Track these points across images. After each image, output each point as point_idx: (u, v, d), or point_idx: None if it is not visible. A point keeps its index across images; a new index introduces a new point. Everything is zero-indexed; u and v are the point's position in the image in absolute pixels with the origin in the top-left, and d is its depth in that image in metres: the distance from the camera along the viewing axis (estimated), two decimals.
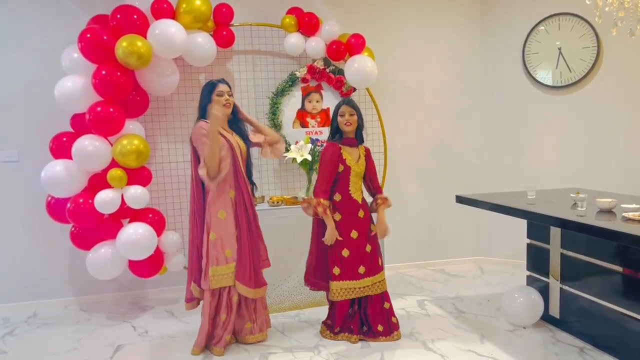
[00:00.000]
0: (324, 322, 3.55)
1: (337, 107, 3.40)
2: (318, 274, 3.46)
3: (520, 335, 3.43)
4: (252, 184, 3.44)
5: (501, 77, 5.00)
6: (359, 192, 3.42)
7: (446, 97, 5.05)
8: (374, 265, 3.40)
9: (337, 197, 3.37)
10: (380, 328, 3.39)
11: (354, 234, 3.35)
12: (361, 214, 3.39)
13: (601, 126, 4.57)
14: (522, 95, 4.90)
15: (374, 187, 3.52)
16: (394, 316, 3.47)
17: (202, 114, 3.26)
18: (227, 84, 3.29)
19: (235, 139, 3.29)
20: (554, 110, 4.77)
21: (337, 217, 3.36)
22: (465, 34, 5.05)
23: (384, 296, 3.44)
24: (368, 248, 3.38)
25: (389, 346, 3.32)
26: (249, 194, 3.31)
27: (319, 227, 3.42)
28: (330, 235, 3.30)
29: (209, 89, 3.22)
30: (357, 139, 3.45)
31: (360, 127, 3.43)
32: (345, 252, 3.34)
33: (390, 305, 3.46)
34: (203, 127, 3.14)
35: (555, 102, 4.77)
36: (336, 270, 3.34)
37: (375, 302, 3.41)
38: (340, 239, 3.32)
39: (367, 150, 3.51)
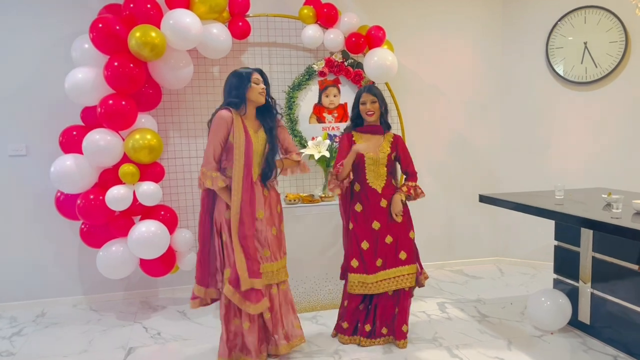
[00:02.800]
0: (335, 327, 3.44)
1: (358, 95, 3.27)
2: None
3: (549, 342, 3.30)
4: (265, 184, 3.06)
5: (523, 72, 4.84)
6: (379, 180, 3.24)
7: (466, 92, 4.90)
8: (392, 258, 3.24)
9: (357, 187, 3.26)
10: (384, 331, 3.27)
11: (375, 225, 3.23)
12: (383, 203, 3.23)
13: (629, 124, 4.42)
14: (545, 91, 4.74)
15: (410, 174, 3.36)
16: (406, 324, 3.27)
17: (236, 98, 2.95)
18: (260, 71, 3.04)
19: (258, 136, 3.02)
20: (579, 107, 4.62)
21: (359, 207, 3.26)
22: (487, 27, 4.89)
23: (401, 296, 3.25)
24: (388, 239, 3.23)
25: (412, 353, 3.19)
26: (253, 199, 2.97)
27: (347, 220, 3.31)
28: (359, 147, 3.14)
29: (247, 75, 2.95)
30: (383, 126, 3.30)
31: (383, 114, 3.28)
32: (365, 245, 3.22)
33: (402, 311, 3.26)
34: (224, 117, 2.90)
35: (580, 98, 4.61)
36: (354, 263, 3.23)
37: (388, 301, 3.26)
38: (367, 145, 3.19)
39: (396, 138, 3.34)
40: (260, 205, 3.00)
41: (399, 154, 3.33)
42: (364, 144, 3.21)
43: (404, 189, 3.29)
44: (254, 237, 2.96)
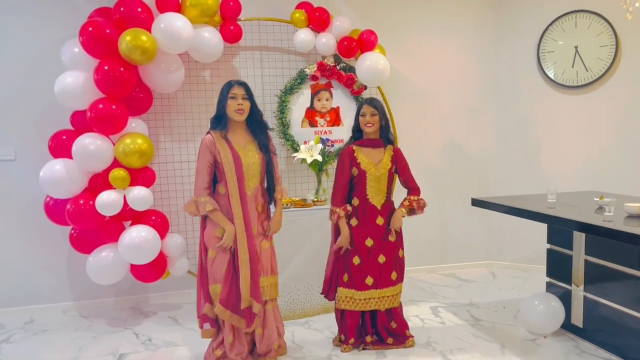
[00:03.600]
0: (338, 339, 3.35)
1: (359, 107, 3.24)
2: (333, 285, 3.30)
3: (542, 345, 3.29)
4: (270, 199, 3.11)
5: (515, 76, 4.85)
6: (379, 196, 3.19)
7: (458, 96, 4.90)
8: (385, 278, 3.20)
9: (355, 201, 3.20)
10: (390, 341, 3.28)
11: (369, 242, 3.18)
12: (379, 220, 3.18)
13: (620, 127, 4.44)
14: (537, 95, 4.76)
15: (410, 188, 3.31)
16: (407, 328, 3.34)
17: (217, 115, 2.97)
18: (245, 86, 2.95)
19: (247, 149, 2.97)
20: (570, 110, 4.64)
21: (354, 222, 3.20)
22: (479, 31, 4.90)
23: (392, 313, 3.29)
24: (381, 259, 3.18)
25: (406, 357, 3.17)
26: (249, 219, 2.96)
27: (336, 235, 3.24)
28: (342, 242, 3.16)
29: (226, 89, 2.93)
30: (383, 139, 3.24)
31: (384, 127, 3.22)
32: (356, 260, 3.18)
33: (399, 323, 3.30)
34: (206, 142, 2.91)
35: (571, 102, 4.63)
36: (345, 277, 3.20)
37: (381, 318, 3.27)
38: (350, 248, 3.18)
39: (396, 151, 3.28)
40: (254, 220, 2.98)
41: (398, 167, 3.27)
42: (342, 240, 3.15)
43: (406, 202, 3.24)
44: (257, 256, 2.97)
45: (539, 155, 4.79)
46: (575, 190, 4.11)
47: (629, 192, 3.95)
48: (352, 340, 3.25)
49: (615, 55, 4.36)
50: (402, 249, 3.30)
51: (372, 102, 3.19)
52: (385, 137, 3.25)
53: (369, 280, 3.17)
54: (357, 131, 3.26)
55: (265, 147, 3.01)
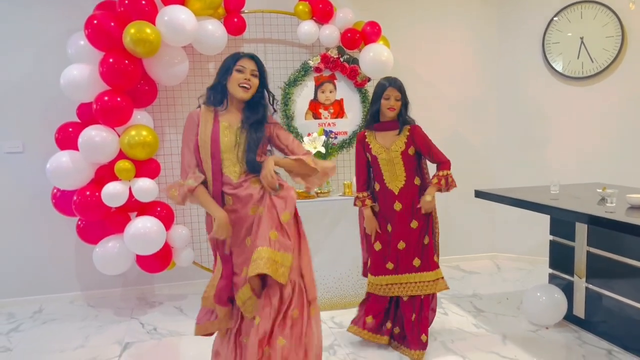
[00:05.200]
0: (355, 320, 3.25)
1: (382, 88, 2.99)
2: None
3: (544, 336, 3.30)
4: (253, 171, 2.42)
5: (520, 67, 4.83)
6: (396, 181, 3.04)
7: (462, 88, 4.89)
8: (406, 264, 3.05)
9: (377, 186, 3.13)
10: (396, 330, 3.18)
11: (389, 228, 3.10)
12: (397, 206, 3.04)
13: (626, 118, 4.41)
14: (542, 87, 4.74)
15: (439, 162, 3.06)
16: (425, 333, 3.04)
17: (214, 89, 2.44)
18: (256, 59, 2.44)
19: (232, 129, 2.41)
20: (575, 102, 4.61)
21: (376, 207, 3.15)
22: (483, 22, 4.88)
23: (417, 303, 3.07)
24: (401, 245, 3.04)
25: None
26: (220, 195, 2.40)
27: (361, 220, 3.24)
28: (367, 224, 3.12)
29: (231, 60, 2.40)
30: (400, 121, 3.04)
31: (402, 110, 3.04)
32: (377, 246, 3.12)
33: (421, 319, 3.05)
34: (191, 115, 2.43)
35: (576, 93, 4.60)
36: (369, 263, 3.19)
37: (405, 307, 3.10)
38: (379, 231, 3.12)
39: (413, 131, 3.05)
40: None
41: (418, 146, 3.05)
42: (367, 223, 3.12)
43: (435, 180, 3.02)
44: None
45: (544, 147, 4.77)
46: (580, 182, 4.09)
47: (634, 184, 3.93)
48: (369, 319, 3.13)
49: (621, 46, 4.32)
50: (430, 236, 3.08)
51: (396, 83, 3.00)
52: (402, 118, 3.06)
53: (390, 265, 3.09)
54: (376, 115, 3.07)
55: (252, 125, 2.42)
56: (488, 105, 4.96)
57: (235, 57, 2.41)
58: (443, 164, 3.06)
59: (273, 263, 2.28)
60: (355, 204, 3.20)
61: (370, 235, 3.16)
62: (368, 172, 3.17)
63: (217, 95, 2.43)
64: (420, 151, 3.08)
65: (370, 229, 3.13)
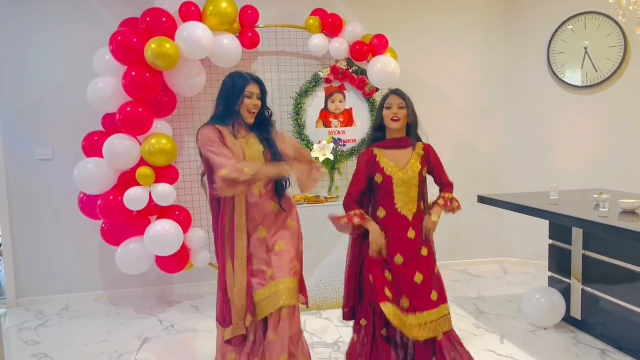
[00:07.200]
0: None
1: (383, 99, 2.69)
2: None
3: (541, 336, 3.43)
4: (280, 197, 2.69)
5: (525, 76, 4.97)
6: (410, 205, 2.64)
7: (469, 97, 5.05)
8: (425, 300, 2.59)
9: (381, 213, 2.65)
10: None
11: (398, 259, 2.60)
12: (411, 234, 2.62)
13: (628, 126, 4.51)
14: (547, 95, 4.86)
15: (444, 185, 2.81)
16: None
17: (225, 114, 2.55)
18: (260, 83, 2.60)
19: (246, 143, 2.57)
20: (580, 110, 4.72)
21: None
22: (489, 33, 5.04)
23: (436, 346, 2.61)
24: (418, 278, 2.59)
25: None
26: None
27: (356, 246, 2.75)
28: (376, 239, 2.59)
29: (241, 84, 2.52)
30: (411, 137, 2.70)
31: (412, 125, 2.68)
32: (388, 276, 2.61)
33: (461, 354, 2.66)
34: (207, 134, 2.50)
35: (580, 102, 4.72)
36: (388, 292, 2.57)
37: (422, 353, 2.62)
38: (384, 254, 2.63)
39: (426, 149, 2.74)
40: (264, 222, 2.62)
41: (433, 166, 2.76)
42: (376, 236, 2.59)
43: (441, 202, 2.73)
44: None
45: (550, 154, 4.88)
46: (586, 188, 4.19)
47: (636, 191, 4.03)
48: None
49: (624, 55, 4.43)
50: (436, 264, 2.74)
51: (398, 91, 2.68)
52: (413, 134, 2.70)
53: (405, 303, 2.59)
54: (378, 129, 2.73)
55: (266, 140, 2.61)
56: (495, 113, 5.10)
57: (244, 82, 2.54)
58: (448, 185, 2.82)
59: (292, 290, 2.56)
60: (351, 222, 2.61)
61: (372, 261, 2.63)
62: (362, 196, 2.72)
63: (231, 117, 2.54)
64: (433, 171, 2.79)
65: (380, 245, 2.60)
